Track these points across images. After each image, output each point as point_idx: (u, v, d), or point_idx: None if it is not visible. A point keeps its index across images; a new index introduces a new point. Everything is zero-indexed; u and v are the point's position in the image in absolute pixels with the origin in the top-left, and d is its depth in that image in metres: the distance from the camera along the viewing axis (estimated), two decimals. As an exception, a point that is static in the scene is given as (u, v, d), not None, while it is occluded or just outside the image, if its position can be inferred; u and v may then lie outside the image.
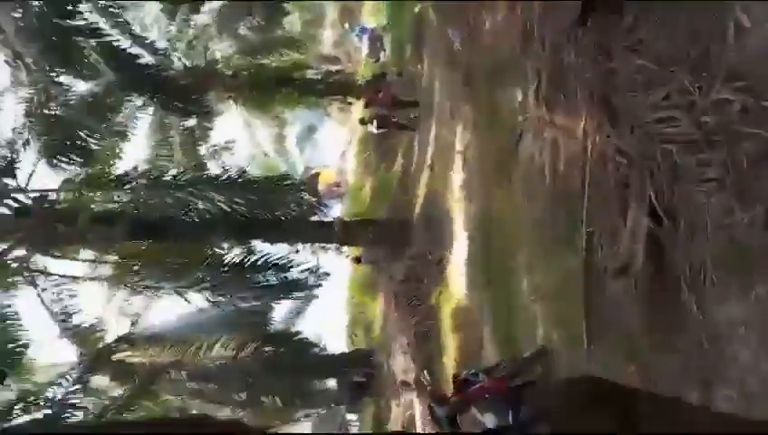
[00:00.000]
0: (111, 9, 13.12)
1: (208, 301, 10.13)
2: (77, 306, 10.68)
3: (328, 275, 11.20)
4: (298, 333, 13.17)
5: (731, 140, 3.84)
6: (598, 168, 5.22)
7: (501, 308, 7.26)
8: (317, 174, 17.87)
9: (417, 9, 12.96)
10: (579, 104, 5.53)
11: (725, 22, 3.86)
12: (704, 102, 4.08)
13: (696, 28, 4.15)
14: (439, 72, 10.86)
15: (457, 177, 9.34)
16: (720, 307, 3.70)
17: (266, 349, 11.19)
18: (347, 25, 19.04)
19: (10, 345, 9.65)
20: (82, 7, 11.27)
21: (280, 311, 13.07)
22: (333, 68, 18.20)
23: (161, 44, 15.45)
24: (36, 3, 10.93)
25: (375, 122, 12.48)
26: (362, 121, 13.67)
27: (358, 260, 13.27)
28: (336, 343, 15.83)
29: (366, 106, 13.31)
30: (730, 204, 3.77)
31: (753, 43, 3.65)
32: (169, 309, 11.54)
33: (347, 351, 15.69)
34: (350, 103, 16.60)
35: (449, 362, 8.98)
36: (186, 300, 10.11)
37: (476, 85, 8.54)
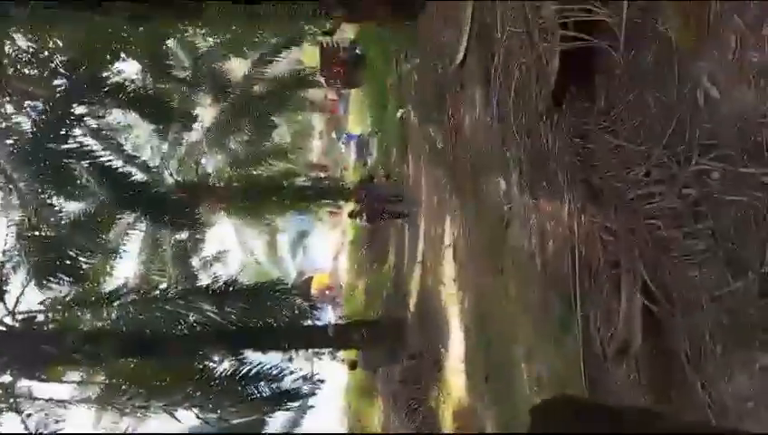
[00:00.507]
0: (104, 132, 13.53)
1: (198, 418, 9.68)
2: (64, 431, 10.20)
3: (323, 381, 10.81)
4: (294, 448, 12.55)
5: (715, 209, 3.79)
6: (586, 249, 5.15)
7: (502, 403, 6.94)
8: (310, 278, 17.78)
9: (399, 114, 13.41)
10: (561, 188, 5.54)
11: (695, 95, 3.93)
12: (684, 175, 4.07)
13: (667, 104, 4.22)
14: (425, 170, 11.06)
15: (449, 270, 9.25)
16: (725, 383, 3.49)
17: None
18: (334, 134, 19.69)
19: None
20: (75, 131, 11.62)
21: (275, 424, 12.49)
22: (323, 174, 18.60)
23: (153, 162, 15.84)
24: (29, 129, 11.27)
25: (364, 216, 12.60)
26: (351, 214, 13.83)
27: (353, 366, 12.91)
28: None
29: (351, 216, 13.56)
30: (722, 274, 3.66)
31: (724, 112, 3.69)
32: (159, 430, 10.99)
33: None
34: (340, 207, 16.81)
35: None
36: (175, 419, 9.66)
37: (461, 179, 8.65)
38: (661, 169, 4.30)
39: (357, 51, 17.73)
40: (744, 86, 3.63)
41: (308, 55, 19.57)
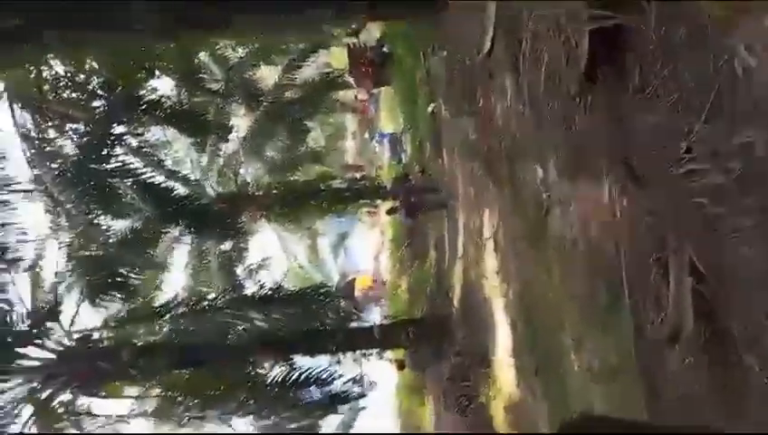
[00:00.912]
0: (144, 149, 13.84)
1: (253, 425, 9.82)
2: (123, 447, 10.49)
3: (373, 383, 10.83)
4: (349, 449, 12.60)
5: (762, 181, 3.62)
6: (630, 233, 5.00)
7: (554, 395, 6.80)
8: (353, 280, 17.84)
9: (429, 109, 13.32)
10: (600, 171, 5.39)
11: (732, 66, 3.76)
12: (726, 148, 3.90)
13: (704, 76, 4.05)
14: (460, 163, 10.94)
15: (491, 263, 9.13)
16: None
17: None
18: (366, 134, 19.70)
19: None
20: (117, 150, 11.92)
21: (328, 427, 12.57)
22: (358, 175, 18.64)
23: (194, 175, 16.15)
24: (72, 151, 11.60)
25: (403, 212, 12.54)
26: (389, 211, 13.82)
27: (401, 365, 12.86)
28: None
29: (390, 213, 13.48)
30: (775, 250, 3.49)
31: (763, 81, 3.52)
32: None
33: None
34: (378, 206, 16.82)
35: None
36: (230, 427, 9.82)
37: (497, 169, 8.52)
38: (703, 144, 4.13)
39: (384, 49, 17.69)
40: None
41: (336, 57, 19.62)
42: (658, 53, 4.51)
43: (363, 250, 22.85)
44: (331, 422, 12.64)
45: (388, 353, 13.14)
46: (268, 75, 17.57)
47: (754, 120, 3.59)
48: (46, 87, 12.49)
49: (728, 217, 3.88)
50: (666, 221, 4.50)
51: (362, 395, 10.74)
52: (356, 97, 21.48)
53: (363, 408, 12.58)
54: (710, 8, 3.89)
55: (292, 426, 10.14)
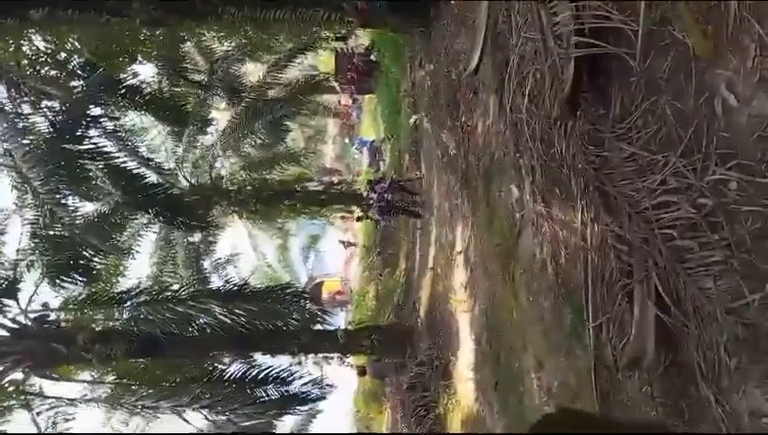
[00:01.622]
0: (119, 133, 13.63)
1: (207, 419, 9.69)
2: (73, 430, 10.25)
3: (332, 386, 10.78)
4: (302, 453, 12.51)
5: (732, 219, 3.73)
6: (599, 259, 5.09)
7: (511, 412, 6.86)
8: (321, 283, 17.77)
9: (412, 120, 13.40)
10: (574, 196, 5.48)
11: (712, 102, 3.87)
12: (700, 184, 4.00)
13: (684, 112, 4.16)
14: (437, 176, 11.02)
15: (460, 277, 9.19)
16: (739, 397, 3.42)
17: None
18: (347, 139, 19.72)
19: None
20: (91, 132, 11.72)
21: (283, 428, 12.47)
22: (335, 179, 18.63)
23: (168, 164, 15.94)
24: (45, 129, 11.37)
25: (376, 208, 12.47)
26: (359, 219, 13.75)
27: (363, 372, 12.84)
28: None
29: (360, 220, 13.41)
30: (738, 286, 3.59)
31: (742, 121, 3.63)
32: (168, 431, 11.01)
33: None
34: (352, 212, 16.82)
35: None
36: (184, 420, 9.67)
37: (473, 186, 8.60)
38: (677, 178, 4.24)
39: (371, 57, 17.77)
40: (763, 94, 3.57)
41: (322, 61, 19.63)
42: (641, 85, 4.62)
43: (334, 255, 22.83)
44: (286, 423, 12.56)
45: (350, 359, 13.12)
46: (252, 71, 17.49)
47: (729, 159, 3.70)
48: (25, 61, 12.22)
49: (696, 251, 3.98)
50: (635, 250, 4.59)
51: (321, 398, 10.68)
52: (339, 102, 21.51)
53: (320, 411, 12.52)
54: (693, 42, 4.01)
55: (247, 423, 10.03)
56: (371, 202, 12.73)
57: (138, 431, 10.92)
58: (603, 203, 5.03)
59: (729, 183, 3.77)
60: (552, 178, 6.00)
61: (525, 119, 6.20)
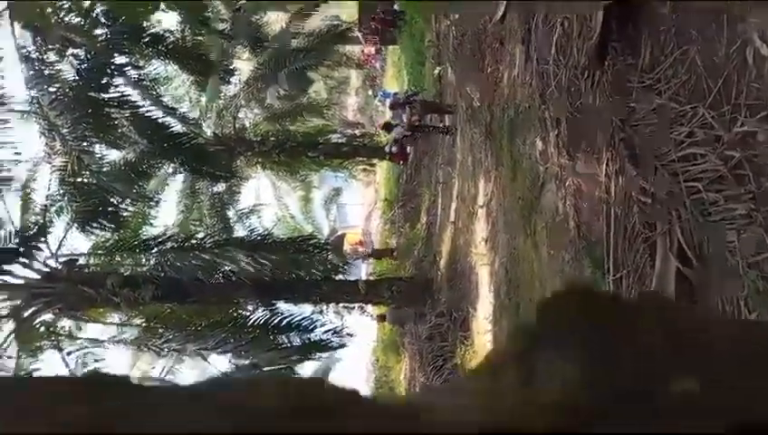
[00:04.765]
0: (144, 82, 13.67)
1: (230, 363, 9.99)
2: (102, 370, 10.63)
3: (352, 335, 11.00)
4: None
5: (758, 173, 3.68)
6: (622, 211, 5.07)
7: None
8: (343, 235, 17.92)
9: (436, 72, 13.21)
10: (599, 148, 5.43)
11: (744, 52, 3.78)
12: (728, 136, 3.94)
13: (715, 62, 4.07)
14: (461, 129, 10.93)
15: (481, 231, 9.22)
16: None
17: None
18: (370, 91, 19.50)
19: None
20: (116, 81, 11.78)
21: (304, 374, 12.81)
22: (358, 132, 18.54)
23: (192, 114, 15.99)
24: (71, 77, 11.45)
25: (404, 124, 12.11)
26: (385, 126, 13.09)
27: (382, 318, 13.02)
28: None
29: (386, 128, 12.93)
30: (761, 240, 3.57)
31: (774, 71, 3.55)
32: (192, 373, 11.39)
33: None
34: (374, 165, 16.79)
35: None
36: (208, 362, 9.99)
37: (497, 138, 8.53)
38: (705, 129, 4.18)
39: (396, 7, 17.43)
40: (799, 44, 3.47)
41: (346, 11, 19.31)
42: (671, 35, 4.51)
43: (356, 207, 22.89)
44: (307, 369, 12.89)
45: (371, 308, 13.35)
46: (275, 21, 17.29)
47: (759, 110, 3.63)
48: (49, 9, 12.23)
49: (721, 204, 3.95)
50: (658, 203, 4.57)
51: (341, 346, 10.93)
52: (363, 52, 21.24)
53: (340, 359, 12.83)
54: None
55: (270, 368, 10.32)
56: (405, 117, 11.96)
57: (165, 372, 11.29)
58: (629, 155, 4.99)
59: (757, 135, 3.71)
60: (577, 130, 5.94)
61: (552, 69, 6.11)
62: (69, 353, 10.08)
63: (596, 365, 0.43)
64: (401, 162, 14.55)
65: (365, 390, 16.51)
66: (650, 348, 0.46)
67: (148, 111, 12.20)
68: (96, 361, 10.29)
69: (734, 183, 3.89)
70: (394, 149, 13.20)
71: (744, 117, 3.80)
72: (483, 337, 8.91)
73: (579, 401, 0.38)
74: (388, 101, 16.74)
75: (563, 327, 0.50)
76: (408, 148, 13.36)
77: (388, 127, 12.64)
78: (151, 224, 12.76)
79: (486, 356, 0.50)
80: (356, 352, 13.10)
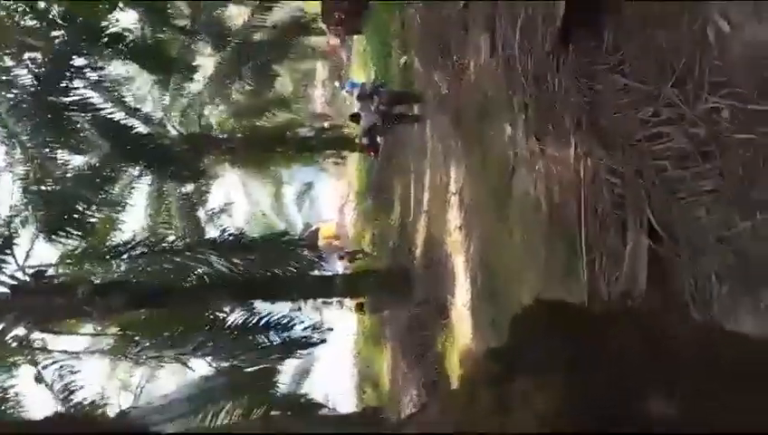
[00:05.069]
0: (105, 84, 13.38)
1: (210, 366, 9.88)
2: (79, 383, 10.42)
3: (331, 330, 10.96)
4: (305, 395, 12.78)
5: (724, 148, 3.73)
6: (593, 193, 5.10)
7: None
8: (316, 229, 17.84)
9: (402, 60, 13.16)
10: (567, 131, 5.46)
11: (705, 30, 3.81)
12: (693, 114, 3.99)
13: (677, 41, 4.10)
14: (430, 117, 10.92)
15: (454, 219, 9.23)
16: (730, 323, 3.50)
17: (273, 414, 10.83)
18: (337, 83, 19.37)
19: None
20: (76, 83, 11.50)
21: (286, 373, 12.75)
22: (326, 124, 18.42)
23: (156, 114, 15.72)
24: (29, 82, 11.14)
25: (371, 132, 12.03)
26: (352, 117, 12.89)
27: (360, 307, 12.98)
28: (345, 401, 15.42)
29: (354, 119, 12.75)
30: (730, 215, 3.63)
31: (735, 48, 3.58)
32: (172, 379, 11.25)
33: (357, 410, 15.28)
34: (345, 157, 16.70)
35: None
36: (188, 367, 9.86)
37: (466, 125, 8.53)
38: (670, 108, 4.22)
39: (359, -4, 17.26)
40: (756, 21, 3.51)
41: (309, 2, 19.11)
42: (634, 16, 4.53)
43: (328, 201, 22.80)
44: (288, 368, 12.84)
45: (348, 302, 13.31)
46: (237, 14, 17.03)
47: (722, 87, 3.67)
48: (2, 12, 11.86)
49: (688, 181, 4.00)
50: (627, 182, 4.61)
51: (322, 341, 10.88)
52: (328, 43, 21.06)
53: (320, 355, 12.81)
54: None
55: (251, 368, 10.23)
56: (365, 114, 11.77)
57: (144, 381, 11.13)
58: (596, 137, 5.02)
59: (722, 112, 3.76)
60: (544, 114, 5.96)
61: (518, 55, 6.11)
62: (44, 368, 9.86)
63: (571, 389, 0.40)
64: (372, 154, 14.49)
65: (349, 384, 16.55)
66: (625, 355, 0.43)
67: (110, 114, 11.97)
68: (72, 373, 10.07)
69: (701, 160, 3.94)
70: (365, 140, 13.13)
71: (707, 94, 3.83)
72: (462, 324, 8.95)
73: (553, 431, 0.35)
74: (355, 92, 16.62)
75: (536, 340, 0.47)
76: (379, 138, 13.30)
77: (356, 118, 12.52)
78: (120, 229, 12.53)
79: (462, 377, 0.47)
80: (337, 347, 13.07)
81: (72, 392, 10.35)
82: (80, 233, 10.81)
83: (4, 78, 11.24)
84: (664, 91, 4.18)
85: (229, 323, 10.49)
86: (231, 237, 11.00)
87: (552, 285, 6.00)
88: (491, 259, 7.80)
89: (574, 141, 5.32)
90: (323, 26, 18.04)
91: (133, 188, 13.84)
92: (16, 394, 9.83)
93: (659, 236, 4.15)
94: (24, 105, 10.43)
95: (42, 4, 12.24)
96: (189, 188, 14.80)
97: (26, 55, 11.80)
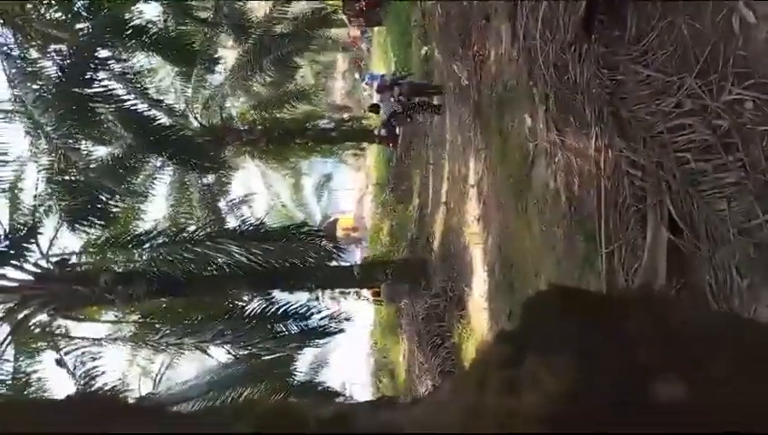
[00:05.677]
0: (128, 75, 13.50)
1: (229, 353, 9.99)
2: (100, 369, 10.60)
3: (348, 319, 11.02)
4: (322, 383, 12.88)
5: (747, 140, 3.67)
6: (612, 185, 5.06)
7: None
8: (335, 220, 17.89)
9: (423, 51, 13.11)
10: (588, 122, 5.41)
11: (730, 20, 3.75)
12: (716, 105, 3.93)
13: (701, 31, 4.04)
14: (449, 108, 10.88)
15: (473, 210, 9.21)
16: (749, 316, 3.46)
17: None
18: (357, 75, 19.36)
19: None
20: (100, 75, 11.62)
21: (304, 361, 12.85)
22: (346, 116, 18.43)
23: (178, 106, 15.84)
24: (54, 73, 11.30)
25: (391, 122, 11.95)
26: (372, 108, 12.79)
27: (377, 294, 13.00)
28: (361, 390, 15.50)
29: (373, 110, 12.69)
30: (751, 207, 3.58)
31: (760, 39, 3.52)
32: (192, 366, 11.40)
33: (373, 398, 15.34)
34: (364, 149, 16.71)
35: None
36: (207, 354, 9.99)
37: (486, 116, 8.49)
38: (692, 99, 4.16)
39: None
40: (784, 10, 3.44)
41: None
42: (658, 5, 4.47)
43: (347, 192, 22.85)
44: (306, 356, 12.94)
45: (366, 292, 13.36)
46: (258, 7, 17.08)
47: (746, 78, 3.61)
48: (29, 5, 12.02)
49: (710, 173, 3.95)
50: (648, 174, 4.56)
51: (339, 331, 10.94)
52: (348, 35, 21.05)
53: (338, 344, 12.88)
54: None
55: (269, 357, 10.34)
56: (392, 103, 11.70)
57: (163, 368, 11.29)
58: (617, 128, 4.97)
59: (745, 103, 3.70)
60: (565, 105, 5.91)
61: (539, 45, 6.06)
62: (66, 353, 10.04)
63: (582, 372, 0.41)
64: (391, 145, 14.48)
65: (365, 374, 16.60)
66: (638, 341, 0.44)
67: (133, 105, 12.05)
68: (94, 359, 10.25)
69: (723, 152, 3.88)
70: (383, 132, 13.13)
71: (731, 85, 3.78)
72: (479, 315, 8.94)
73: (563, 413, 0.36)
74: (375, 84, 16.60)
75: (549, 324, 0.48)
76: (398, 129, 13.27)
77: (375, 109, 12.50)
78: (142, 219, 12.69)
79: (474, 359, 0.49)
80: (354, 337, 13.13)
81: (93, 378, 10.55)
82: (102, 222, 10.95)
83: (29, 69, 11.41)
84: (687, 82, 4.12)
85: (248, 311, 10.60)
86: (251, 228, 11.08)
87: (570, 277, 5.97)
88: (509, 251, 7.78)
89: (595, 132, 5.27)
90: (344, 18, 18.04)
91: (155, 178, 13.99)
92: (39, 379, 10.01)
93: (679, 228, 4.10)
94: (49, 96, 10.56)
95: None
96: (210, 178, 14.91)
97: (51, 47, 11.96)
